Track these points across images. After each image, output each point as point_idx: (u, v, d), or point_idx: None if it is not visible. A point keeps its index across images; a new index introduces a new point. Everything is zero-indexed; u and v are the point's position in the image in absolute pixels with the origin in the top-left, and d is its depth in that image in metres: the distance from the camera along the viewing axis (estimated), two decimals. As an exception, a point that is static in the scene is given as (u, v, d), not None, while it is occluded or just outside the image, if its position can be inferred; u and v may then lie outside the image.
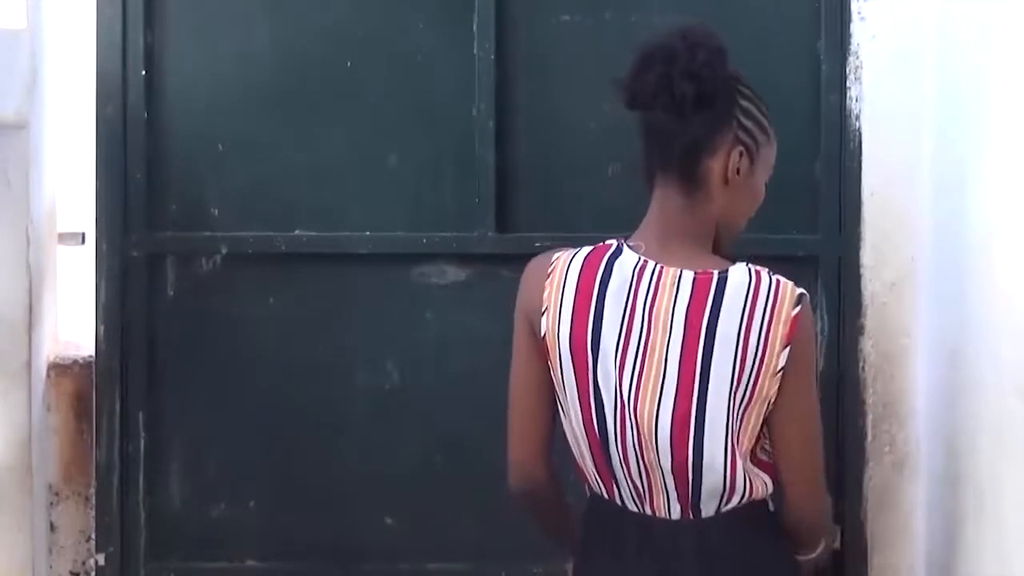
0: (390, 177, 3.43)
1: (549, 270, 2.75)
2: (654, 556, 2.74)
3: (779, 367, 2.66)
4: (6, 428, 3.36)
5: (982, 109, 3.17)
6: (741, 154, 2.71)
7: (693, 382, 2.67)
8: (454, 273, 3.45)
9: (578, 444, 2.77)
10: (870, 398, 3.54)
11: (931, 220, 3.44)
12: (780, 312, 2.66)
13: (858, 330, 3.52)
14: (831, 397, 3.48)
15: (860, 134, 3.51)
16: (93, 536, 3.49)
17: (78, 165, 3.89)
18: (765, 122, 2.76)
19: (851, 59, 3.51)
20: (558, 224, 3.42)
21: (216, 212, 3.43)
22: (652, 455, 2.69)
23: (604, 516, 2.78)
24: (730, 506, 2.72)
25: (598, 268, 2.73)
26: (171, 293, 3.44)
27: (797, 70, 3.47)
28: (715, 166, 2.71)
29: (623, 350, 2.70)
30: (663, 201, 2.74)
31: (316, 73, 3.42)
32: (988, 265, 3.12)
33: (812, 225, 3.49)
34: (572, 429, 2.76)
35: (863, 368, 3.54)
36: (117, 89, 3.41)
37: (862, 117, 3.51)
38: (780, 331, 2.65)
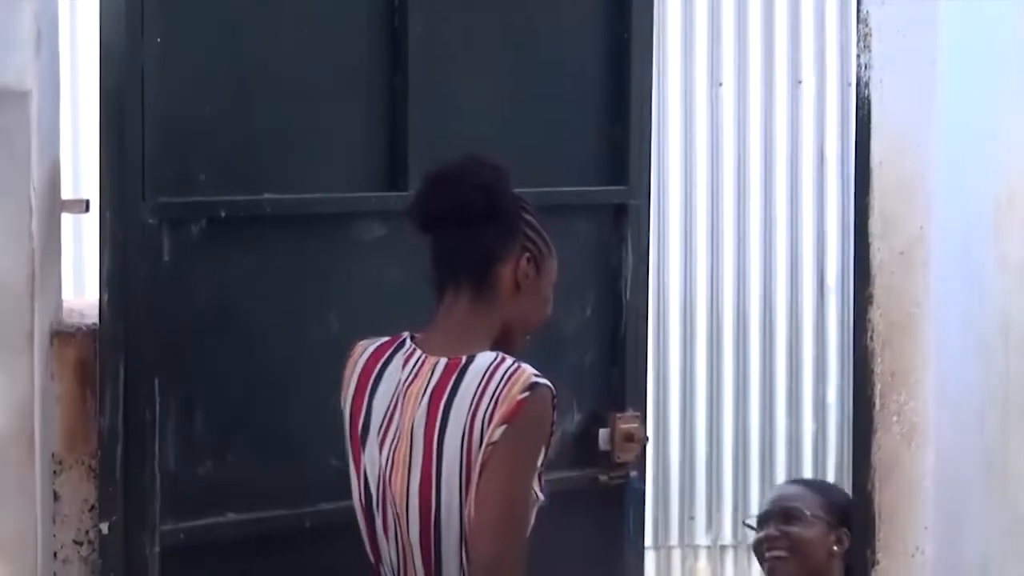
0: (327, 143, 3.66)
1: (350, 354, 3.13)
2: None
3: (493, 440, 2.87)
4: (9, 397, 3.34)
5: (993, 77, 3.16)
6: (528, 260, 3.02)
7: (431, 454, 2.91)
8: (379, 228, 3.69)
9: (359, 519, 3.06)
10: (878, 368, 3.53)
11: (940, 189, 3.42)
12: (509, 392, 2.89)
13: (866, 300, 3.51)
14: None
15: (869, 102, 3.48)
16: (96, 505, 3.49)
17: (84, 131, 3.89)
18: (546, 236, 3.07)
19: (860, 26, 3.49)
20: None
21: (203, 178, 3.53)
22: (404, 527, 2.94)
23: None
24: None
25: (380, 358, 3.07)
26: (167, 259, 3.47)
27: (603, 49, 3.97)
28: (506, 272, 3.01)
29: (385, 431, 2.99)
30: (452, 307, 3.04)
31: (272, 51, 3.61)
32: (997, 234, 3.12)
33: (620, 178, 3.97)
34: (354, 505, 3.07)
35: (871, 338, 3.52)
36: (122, 56, 3.40)
37: (871, 85, 3.49)
38: (503, 409, 2.87)
